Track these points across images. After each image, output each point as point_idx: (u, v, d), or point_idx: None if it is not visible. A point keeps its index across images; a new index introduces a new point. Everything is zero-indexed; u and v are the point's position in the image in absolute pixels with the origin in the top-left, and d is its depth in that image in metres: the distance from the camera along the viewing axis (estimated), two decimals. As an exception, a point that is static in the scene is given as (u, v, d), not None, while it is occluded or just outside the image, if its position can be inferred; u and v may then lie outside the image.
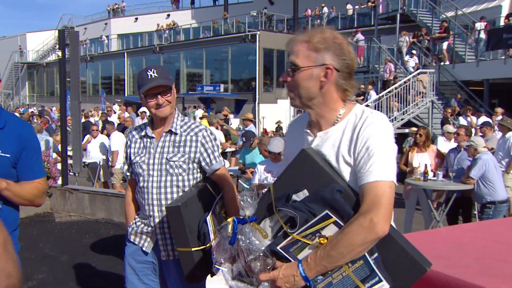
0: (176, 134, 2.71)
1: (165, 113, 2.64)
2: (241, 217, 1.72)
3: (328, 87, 1.75)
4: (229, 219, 1.73)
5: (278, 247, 1.64)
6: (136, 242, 2.78)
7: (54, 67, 44.91)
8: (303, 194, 1.67)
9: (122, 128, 12.27)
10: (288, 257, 1.64)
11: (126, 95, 35.41)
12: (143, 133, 2.77)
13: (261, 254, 1.65)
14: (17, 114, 20.22)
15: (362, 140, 1.68)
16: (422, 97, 16.15)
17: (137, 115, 18.77)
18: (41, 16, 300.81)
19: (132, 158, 2.77)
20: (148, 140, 2.74)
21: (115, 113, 20.50)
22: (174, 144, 2.70)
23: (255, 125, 16.05)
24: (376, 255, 1.61)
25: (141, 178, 2.72)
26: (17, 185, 2.34)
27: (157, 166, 2.68)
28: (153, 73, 2.59)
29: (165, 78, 2.61)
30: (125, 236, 2.89)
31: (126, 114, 17.50)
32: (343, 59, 1.72)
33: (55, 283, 4.92)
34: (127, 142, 2.86)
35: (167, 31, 34.80)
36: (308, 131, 1.85)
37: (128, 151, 2.81)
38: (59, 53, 8.08)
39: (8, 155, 2.30)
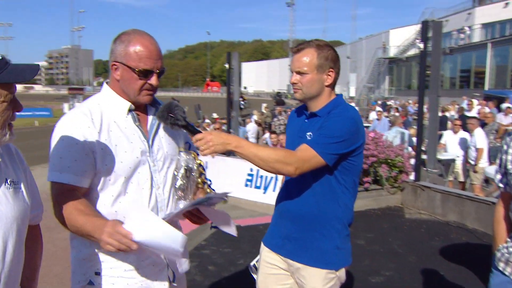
0: None
1: None
2: None
3: None
4: None
5: None
6: (507, 273, 2.17)
7: (412, 61, 45.77)
8: None
9: (481, 124, 11.24)
10: None
11: (486, 88, 32.89)
12: None
13: None
14: (378, 108, 21.31)
15: None
16: None
17: (499, 111, 17.02)
18: (404, 13, 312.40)
19: (510, 167, 2.20)
20: None
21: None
22: None
23: None
24: None
25: None
26: (252, 146, 2.20)
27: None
28: None
29: None
30: (492, 260, 2.32)
31: (487, 110, 16.06)
32: None
33: (401, 283, 4.73)
34: (502, 147, 2.28)
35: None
36: None
37: (504, 157, 2.24)
38: (420, 46, 7.84)
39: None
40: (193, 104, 30.21)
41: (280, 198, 2.56)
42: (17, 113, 1.60)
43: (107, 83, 2.06)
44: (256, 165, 2.23)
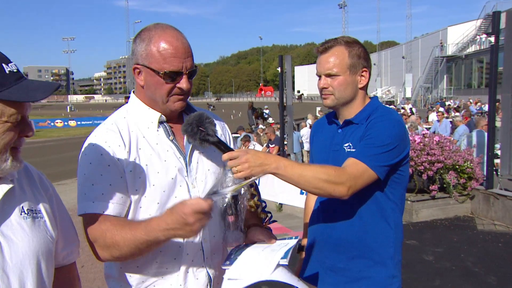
0: None
1: None
2: None
3: None
4: None
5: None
6: None
7: (472, 58, 43.77)
8: None
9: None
10: None
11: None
12: None
13: None
14: (441, 109, 20.16)
15: None
16: None
17: None
18: (462, 9, 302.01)
19: None
20: None
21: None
22: None
23: None
24: None
25: None
26: (296, 165, 1.81)
27: None
28: None
29: None
30: None
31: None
32: None
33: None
34: None
35: None
36: None
37: None
38: (491, 39, 7.13)
39: (354, 150, 1.96)
40: (246, 110, 30.03)
41: (315, 222, 2.18)
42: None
43: (133, 92, 1.75)
44: (301, 188, 1.88)
